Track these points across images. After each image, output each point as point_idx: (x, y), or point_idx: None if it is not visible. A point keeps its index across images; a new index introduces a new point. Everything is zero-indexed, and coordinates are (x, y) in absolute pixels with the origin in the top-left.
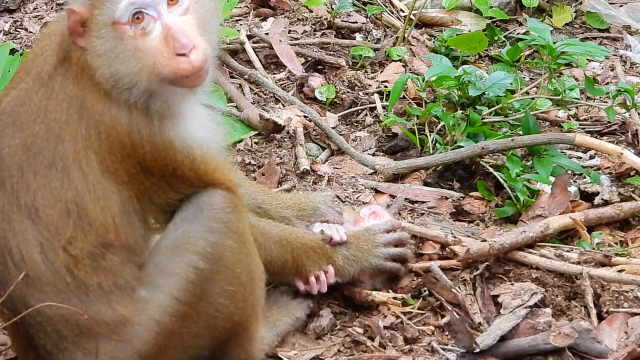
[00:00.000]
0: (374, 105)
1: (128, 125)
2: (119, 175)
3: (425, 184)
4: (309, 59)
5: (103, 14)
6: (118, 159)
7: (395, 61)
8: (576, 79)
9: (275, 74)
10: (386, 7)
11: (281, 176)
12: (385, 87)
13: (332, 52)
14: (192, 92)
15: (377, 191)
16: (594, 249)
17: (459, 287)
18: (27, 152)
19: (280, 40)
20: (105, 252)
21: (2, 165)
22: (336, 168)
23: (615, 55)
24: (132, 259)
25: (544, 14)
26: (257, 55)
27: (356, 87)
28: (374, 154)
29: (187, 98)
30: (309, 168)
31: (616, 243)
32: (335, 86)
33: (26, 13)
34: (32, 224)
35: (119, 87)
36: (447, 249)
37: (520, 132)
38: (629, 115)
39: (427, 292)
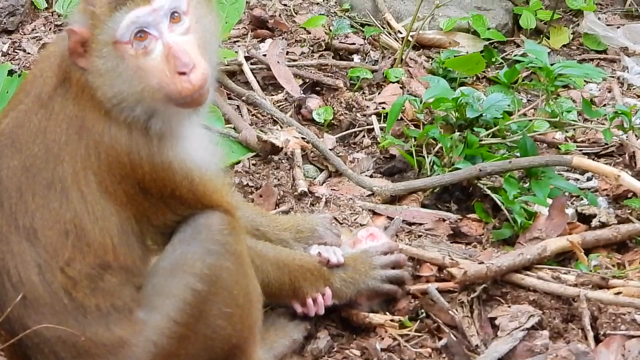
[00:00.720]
0: (371, 126)
1: (128, 145)
2: (117, 196)
3: (423, 205)
4: (307, 80)
5: (104, 33)
6: (117, 180)
7: (393, 83)
8: (573, 101)
9: (273, 95)
10: (384, 28)
11: (279, 198)
12: (383, 108)
13: (329, 74)
14: (193, 112)
15: (374, 213)
16: (591, 271)
17: (457, 309)
18: (26, 173)
19: (278, 62)
20: (103, 273)
21: (1, 187)
22: (334, 190)
23: (613, 76)
24: (130, 280)
25: (541, 36)
26: (255, 77)
27: (354, 109)
28: (371, 176)
29: (187, 119)
30: (306, 190)
31: (613, 265)
32: (333, 108)
33: (24, 34)
34: (30, 245)
35: (120, 107)
36: (444, 271)
37: (518, 154)
38: (627, 137)
39: (424, 314)
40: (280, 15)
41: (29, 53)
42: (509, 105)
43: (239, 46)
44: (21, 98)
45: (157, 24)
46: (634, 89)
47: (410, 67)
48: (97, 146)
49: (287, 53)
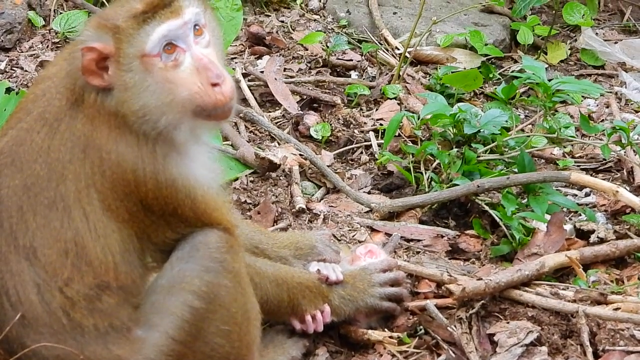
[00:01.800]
0: (369, 143)
1: (134, 162)
2: (119, 213)
3: (421, 222)
4: (304, 97)
5: (132, 47)
6: (120, 197)
7: (391, 99)
8: (571, 117)
9: (270, 112)
10: (381, 45)
11: (277, 215)
12: (381, 125)
13: (327, 90)
14: (217, 125)
15: (372, 229)
16: (589, 287)
17: (455, 326)
18: (28, 192)
19: (276, 79)
20: (101, 294)
21: (1, 206)
22: (332, 206)
23: (610, 92)
24: (128, 300)
25: (539, 51)
26: (253, 94)
27: (351, 125)
28: (369, 192)
29: (196, 135)
30: (304, 206)
31: (612, 281)
32: (330, 124)
33: (22, 52)
34: (29, 265)
35: (143, 120)
36: (442, 287)
37: (516, 170)
38: (624, 152)
39: (423, 331)
40: (277, 32)
41: (26, 71)
42: (506, 121)
43: (236, 63)
44: (21, 117)
45: (186, 37)
46: (631, 104)
47: (407, 83)
48: (103, 164)
49: (285, 70)
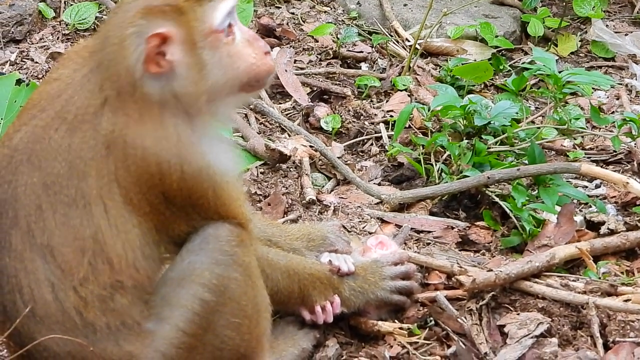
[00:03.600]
0: (379, 134)
1: (160, 155)
2: (141, 207)
3: (431, 213)
4: (315, 88)
5: (200, 25)
6: (143, 190)
7: (401, 91)
8: (582, 108)
9: (280, 103)
10: (391, 36)
11: (287, 206)
12: (391, 116)
13: (337, 82)
14: (256, 95)
15: (383, 221)
16: (600, 278)
17: (465, 317)
18: (47, 190)
19: (286, 70)
20: (115, 293)
21: (17, 204)
22: (342, 198)
23: (621, 84)
24: (141, 297)
25: (549, 43)
26: None
27: (362, 117)
28: (379, 184)
29: (225, 119)
30: (314, 198)
31: (622, 272)
32: (341, 116)
33: (32, 43)
34: (45, 264)
35: (199, 102)
36: (453, 278)
37: (526, 162)
38: (635, 144)
39: (433, 322)
40: (287, 24)
41: (36, 62)
42: (517, 113)
43: None
44: (35, 113)
45: (234, 12)
46: None
47: (418, 75)
48: (127, 159)
49: (295, 61)
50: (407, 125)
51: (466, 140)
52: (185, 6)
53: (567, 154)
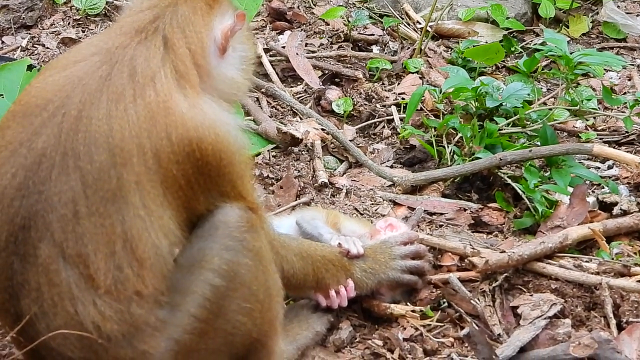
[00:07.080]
0: (391, 117)
1: (196, 120)
2: (176, 181)
3: (444, 195)
4: (326, 71)
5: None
6: (180, 159)
7: (412, 73)
8: (593, 89)
9: (292, 87)
10: (403, 19)
11: (299, 189)
12: (403, 99)
13: (349, 65)
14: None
15: (395, 203)
16: (612, 259)
17: (478, 299)
18: (86, 191)
19: (297, 54)
20: (133, 304)
21: (52, 216)
22: (354, 180)
23: (633, 65)
24: (158, 301)
25: (560, 25)
26: (274, 69)
27: (373, 100)
28: (391, 166)
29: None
30: (327, 181)
31: (635, 253)
32: (352, 99)
33: (43, 29)
34: (70, 276)
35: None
36: (465, 260)
37: (538, 143)
38: None
39: (446, 304)
40: (298, 7)
41: (47, 48)
42: (528, 95)
43: (257, 38)
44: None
45: None
46: None
47: (429, 57)
48: (169, 129)
49: (306, 45)
50: (418, 108)
51: (478, 122)
52: None
53: (579, 135)
